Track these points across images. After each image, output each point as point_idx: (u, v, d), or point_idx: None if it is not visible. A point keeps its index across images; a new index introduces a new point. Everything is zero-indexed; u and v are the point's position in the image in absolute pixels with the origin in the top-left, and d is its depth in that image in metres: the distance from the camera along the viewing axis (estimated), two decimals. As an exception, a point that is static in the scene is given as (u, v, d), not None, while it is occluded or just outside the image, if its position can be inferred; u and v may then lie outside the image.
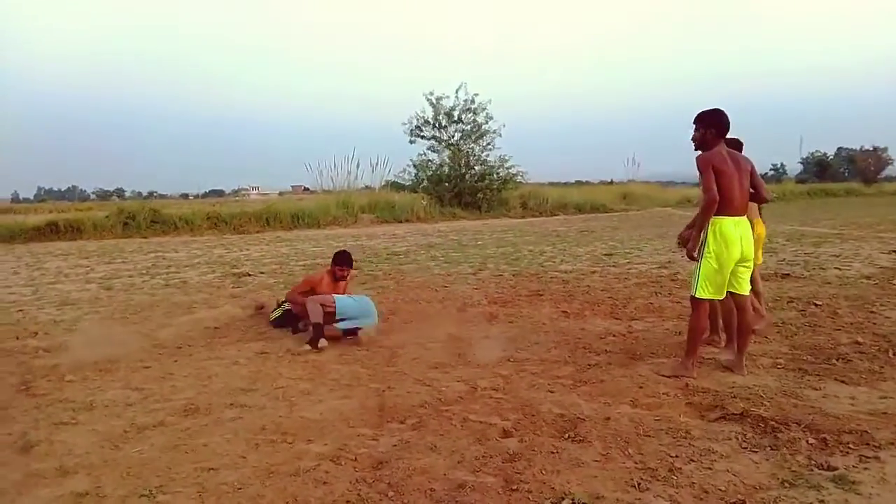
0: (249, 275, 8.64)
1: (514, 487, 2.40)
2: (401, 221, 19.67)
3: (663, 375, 3.74)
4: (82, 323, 5.72)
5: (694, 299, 3.79)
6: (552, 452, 2.70)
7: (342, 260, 5.16)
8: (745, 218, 3.76)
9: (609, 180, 39.42)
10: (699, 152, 3.75)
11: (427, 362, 4.16)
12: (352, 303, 4.90)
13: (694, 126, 3.81)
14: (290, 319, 5.16)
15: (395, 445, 2.84)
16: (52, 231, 15.50)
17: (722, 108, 3.75)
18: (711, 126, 3.71)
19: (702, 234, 3.72)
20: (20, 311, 6.37)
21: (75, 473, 2.64)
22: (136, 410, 3.37)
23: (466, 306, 5.94)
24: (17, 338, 5.14)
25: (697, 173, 3.69)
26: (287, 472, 2.60)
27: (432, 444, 2.83)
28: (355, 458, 2.71)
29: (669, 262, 8.74)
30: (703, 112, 3.77)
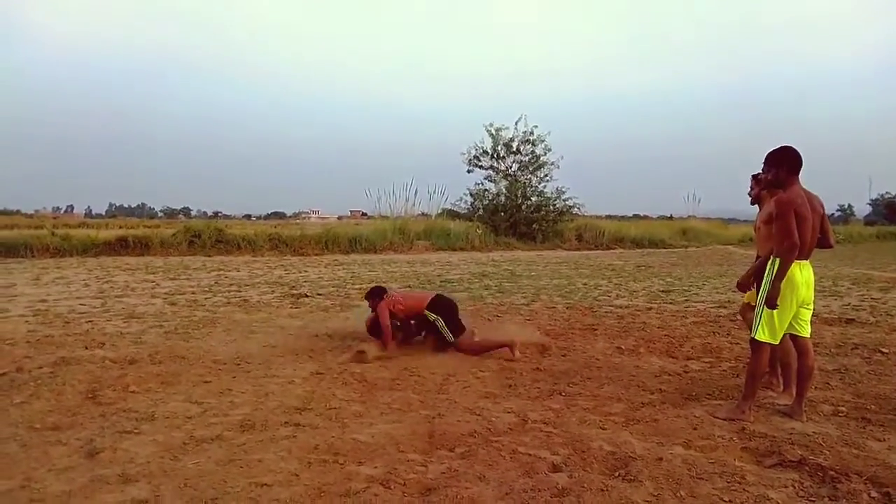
0: (307, 296, 8.83)
1: (562, 523, 2.39)
2: (455, 249, 19.79)
3: (719, 418, 3.66)
4: (147, 335, 5.95)
5: (754, 342, 3.71)
6: (602, 490, 2.67)
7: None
8: (809, 262, 3.69)
9: (668, 215, 38.83)
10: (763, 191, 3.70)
11: (478, 391, 4.18)
12: None
13: (764, 167, 3.76)
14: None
15: (444, 473, 2.87)
16: (121, 246, 16.14)
17: (791, 145, 3.69)
18: (784, 165, 3.65)
19: (766, 276, 3.65)
20: (89, 321, 6.66)
21: (136, 481, 2.75)
22: (196, 423, 3.49)
23: (519, 337, 5.92)
24: (86, 347, 5.38)
25: (759, 211, 3.64)
26: (337, 492, 2.65)
27: (481, 473, 2.84)
28: (404, 483, 2.75)
29: (729, 301, 8.54)
30: (773, 151, 3.71)
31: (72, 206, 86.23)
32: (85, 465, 2.92)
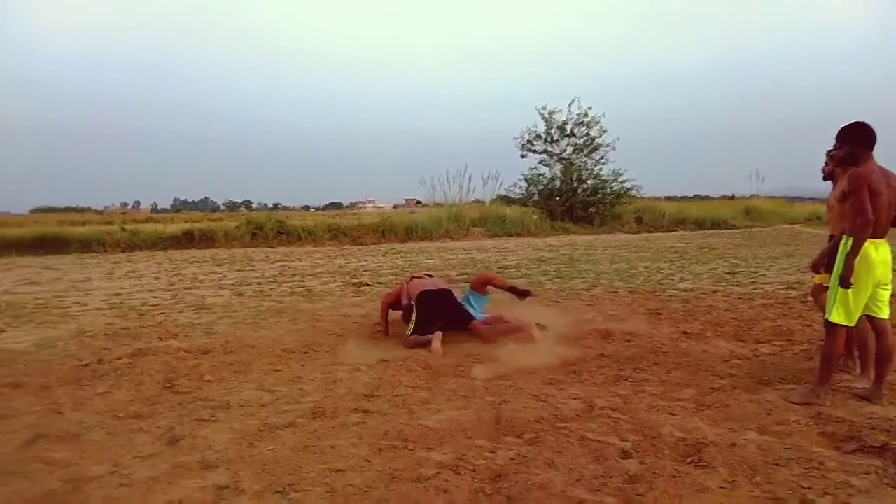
0: (368, 284, 8.96)
1: (635, 510, 2.37)
2: (511, 235, 19.72)
3: (793, 402, 3.56)
4: (217, 326, 6.14)
5: (829, 323, 3.59)
6: (674, 476, 2.64)
7: None
8: (885, 241, 3.54)
9: (730, 195, 37.72)
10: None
11: (542, 378, 4.17)
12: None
13: (836, 143, 3.62)
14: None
15: (513, 459, 2.88)
16: (187, 240, 16.70)
17: (864, 122, 3.54)
18: (857, 141, 3.51)
19: (839, 255, 3.53)
20: (162, 314, 6.92)
21: (216, 467, 2.85)
22: (269, 411, 3.60)
23: (581, 322, 5.88)
24: (161, 339, 5.59)
25: (831, 189, 3.51)
26: (409, 478, 2.70)
27: (550, 460, 2.85)
28: (474, 469, 2.77)
29: (798, 282, 8.27)
30: (845, 127, 3.57)
31: (138, 202, 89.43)
32: (167, 452, 3.05)
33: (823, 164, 4.33)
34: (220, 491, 2.61)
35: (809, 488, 2.52)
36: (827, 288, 3.70)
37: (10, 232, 16.37)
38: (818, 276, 4.20)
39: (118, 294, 8.45)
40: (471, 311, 5.43)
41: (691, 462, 2.80)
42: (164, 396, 3.94)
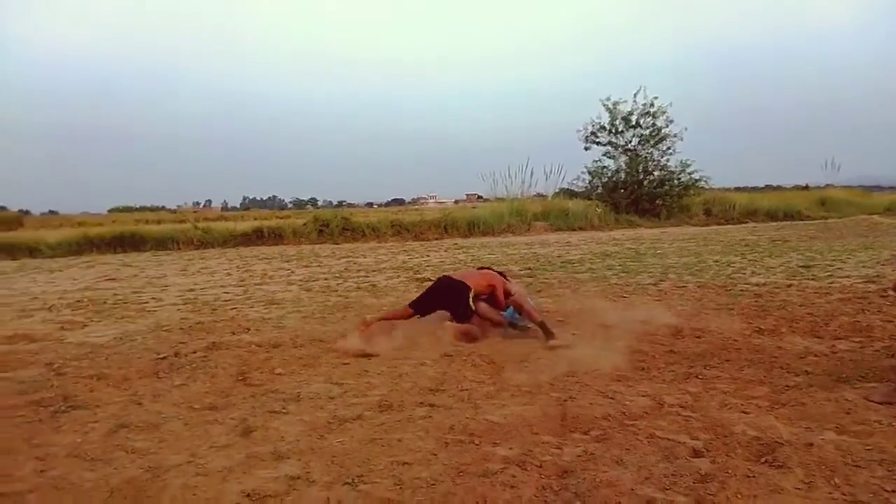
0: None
1: (707, 509, 2.32)
2: (574, 229, 19.50)
3: (874, 401, 3.39)
4: (287, 321, 6.30)
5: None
6: (748, 476, 2.56)
7: None
8: None
9: (804, 185, 36.20)
10: None
11: (608, 374, 4.11)
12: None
13: None
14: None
15: (580, 456, 2.85)
16: (257, 237, 17.21)
17: None
18: None
19: None
20: (234, 308, 7.14)
21: (288, 458, 2.93)
22: (338, 404, 3.67)
23: (648, 318, 5.76)
24: (233, 333, 5.78)
25: None
26: (475, 472, 2.70)
27: (618, 457, 2.81)
28: (541, 465, 2.76)
29: (878, 275, 7.87)
30: None
31: (210, 201, 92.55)
32: (241, 442, 3.15)
33: None
34: (292, 481, 2.68)
35: (893, 492, 2.41)
36: None
37: (90, 231, 17.19)
38: None
39: (192, 290, 8.78)
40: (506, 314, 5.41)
41: (765, 462, 2.71)
42: (238, 389, 4.06)
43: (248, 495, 2.55)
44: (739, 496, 2.40)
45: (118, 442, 3.17)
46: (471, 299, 5.28)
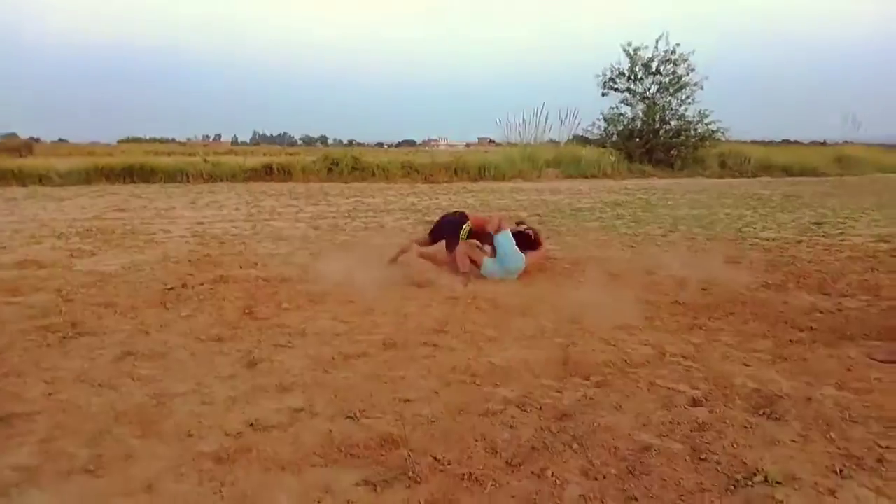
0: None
1: (703, 457, 2.33)
2: (586, 177, 19.30)
3: (876, 360, 3.39)
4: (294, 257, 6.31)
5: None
6: (745, 427, 2.58)
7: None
8: None
9: (821, 140, 35.54)
10: None
11: (612, 322, 4.12)
12: (498, 270, 5.34)
13: None
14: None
15: (579, 400, 2.88)
16: (266, 173, 17.13)
17: None
18: None
19: None
20: (242, 243, 7.17)
21: (292, 391, 2.97)
22: (343, 340, 3.71)
23: (655, 268, 5.75)
24: (241, 267, 5.80)
25: None
26: (476, 411, 2.74)
27: (617, 403, 2.83)
28: (540, 408, 2.79)
29: (890, 235, 7.81)
30: None
31: (219, 135, 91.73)
32: (246, 374, 3.19)
33: None
34: (295, 413, 2.72)
35: (888, 448, 2.42)
36: None
37: (100, 161, 17.14)
38: None
39: (201, 223, 8.80)
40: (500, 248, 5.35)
41: (763, 414, 2.72)
42: (244, 322, 4.10)
43: (252, 425, 2.60)
44: (735, 446, 2.42)
45: (125, 369, 3.22)
46: (463, 231, 5.44)
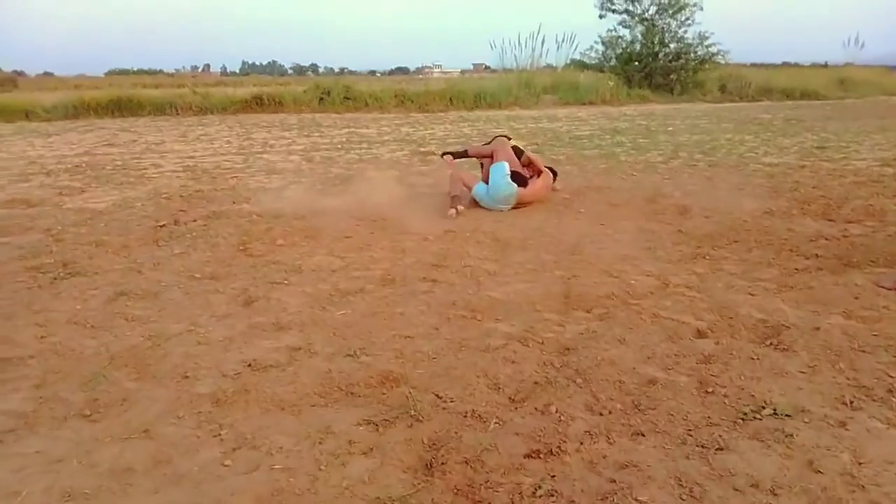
0: (435, 153, 8.81)
1: (709, 390, 2.30)
2: (584, 103, 18.88)
3: (883, 287, 3.34)
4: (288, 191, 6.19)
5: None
6: (752, 358, 2.54)
7: None
8: None
9: (823, 62, 34.71)
10: None
11: (614, 253, 4.05)
12: (485, 197, 5.32)
13: None
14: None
15: (582, 334, 2.83)
16: (257, 104, 16.72)
17: None
18: None
19: None
20: (234, 177, 7.02)
21: (289, 329, 2.92)
22: (340, 277, 3.64)
23: (657, 197, 5.65)
24: (234, 202, 5.68)
25: None
26: (477, 347, 2.70)
27: (621, 336, 2.79)
28: (542, 342, 2.75)
29: (895, 158, 7.67)
30: None
31: (208, 65, 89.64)
32: (242, 312, 3.14)
33: None
34: (293, 352, 2.68)
35: (898, 377, 2.39)
36: None
37: (87, 95, 16.69)
38: None
39: (192, 157, 8.61)
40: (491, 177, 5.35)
41: (770, 344, 2.68)
42: (239, 259, 4.02)
43: (250, 365, 2.55)
44: (742, 378, 2.38)
45: (118, 309, 3.16)
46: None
